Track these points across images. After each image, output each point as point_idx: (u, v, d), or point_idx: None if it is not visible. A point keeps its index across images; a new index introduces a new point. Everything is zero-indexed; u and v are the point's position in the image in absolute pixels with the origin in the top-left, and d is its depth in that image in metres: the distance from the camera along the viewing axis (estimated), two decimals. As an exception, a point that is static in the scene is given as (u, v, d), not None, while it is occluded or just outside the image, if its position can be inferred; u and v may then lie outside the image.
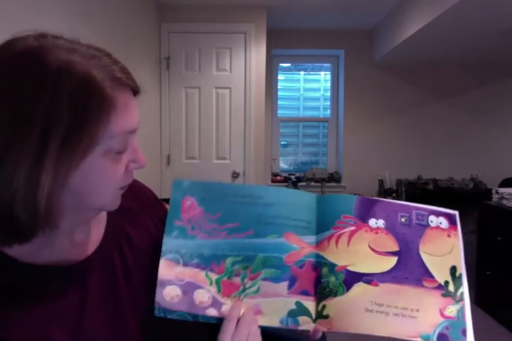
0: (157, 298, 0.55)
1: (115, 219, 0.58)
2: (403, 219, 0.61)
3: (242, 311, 0.55)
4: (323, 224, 0.59)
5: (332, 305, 0.56)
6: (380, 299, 0.57)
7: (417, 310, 0.57)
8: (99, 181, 0.45)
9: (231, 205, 0.59)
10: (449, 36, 2.79)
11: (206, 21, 2.97)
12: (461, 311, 0.58)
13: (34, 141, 0.38)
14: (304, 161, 3.91)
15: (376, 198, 0.62)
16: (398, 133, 3.72)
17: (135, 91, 0.47)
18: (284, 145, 3.89)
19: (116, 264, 0.55)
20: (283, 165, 3.88)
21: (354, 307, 0.56)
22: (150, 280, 0.57)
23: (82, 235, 0.52)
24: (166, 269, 0.57)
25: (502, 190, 2.54)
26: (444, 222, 0.62)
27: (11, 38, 0.42)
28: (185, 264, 0.57)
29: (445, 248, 0.61)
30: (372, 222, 0.60)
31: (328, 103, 3.84)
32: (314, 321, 0.56)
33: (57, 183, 0.41)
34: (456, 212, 0.63)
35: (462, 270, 0.60)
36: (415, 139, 3.72)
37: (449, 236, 0.61)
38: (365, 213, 0.60)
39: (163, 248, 0.58)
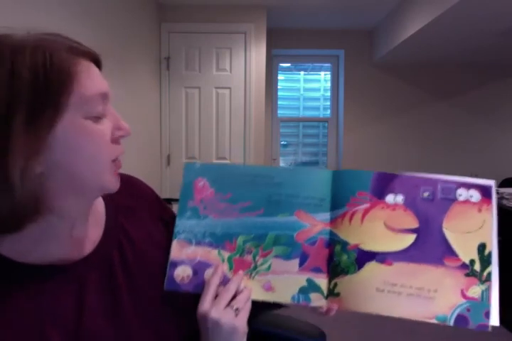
0: (167, 279, 0.56)
1: (114, 217, 0.58)
2: (426, 194, 0.58)
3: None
4: (338, 201, 0.58)
5: (343, 283, 0.56)
6: (393, 279, 0.55)
7: (435, 291, 0.54)
8: (91, 149, 0.45)
9: (242, 185, 0.60)
10: (449, 36, 2.79)
11: (206, 21, 2.97)
12: (486, 292, 0.54)
13: None
14: (304, 161, 3.90)
15: (396, 173, 0.59)
16: (398, 133, 3.72)
17: (94, 59, 0.48)
18: (284, 145, 3.89)
19: (116, 263, 0.54)
20: (283, 165, 3.88)
21: (364, 286, 0.55)
22: (151, 279, 0.57)
23: (79, 233, 0.52)
24: (178, 250, 0.58)
25: (502, 190, 2.53)
26: (475, 195, 0.57)
27: None
28: (198, 243, 0.58)
29: (474, 224, 0.56)
30: (389, 197, 0.58)
31: (328, 103, 3.84)
32: (326, 298, 0.56)
33: (32, 159, 0.40)
34: (491, 183, 0.57)
35: (493, 248, 0.55)
36: (415, 139, 3.72)
37: (479, 210, 0.56)
38: (382, 189, 0.58)
39: (176, 229, 0.59)
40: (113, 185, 0.50)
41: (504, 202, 2.45)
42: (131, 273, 0.55)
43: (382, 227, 0.57)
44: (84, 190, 0.47)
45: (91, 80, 0.45)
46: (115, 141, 0.49)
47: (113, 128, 0.49)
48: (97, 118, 0.46)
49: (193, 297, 0.62)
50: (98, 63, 0.49)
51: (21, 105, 0.40)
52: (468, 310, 0.54)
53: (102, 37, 1.90)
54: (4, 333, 0.42)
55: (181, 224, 0.59)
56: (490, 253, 0.55)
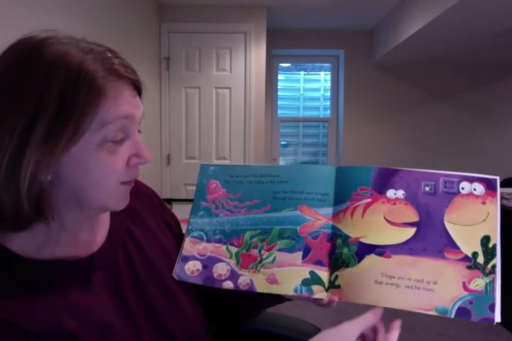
0: (177, 271, 0.60)
1: (119, 218, 0.59)
2: (427, 188, 0.59)
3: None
4: (340, 197, 0.60)
5: (344, 275, 0.57)
6: (391, 271, 0.55)
7: (434, 283, 0.54)
8: (97, 173, 0.45)
9: (251, 185, 0.64)
10: (448, 36, 2.79)
11: (206, 21, 2.97)
12: (490, 285, 0.54)
13: (19, 127, 0.40)
14: (304, 161, 3.90)
15: (398, 168, 0.60)
16: (398, 133, 3.72)
17: (136, 86, 0.49)
18: (284, 145, 3.89)
19: (121, 263, 0.55)
20: (283, 164, 3.88)
21: (363, 278, 0.56)
22: (156, 279, 0.57)
23: (86, 234, 0.53)
24: (189, 246, 0.62)
25: (502, 190, 2.54)
26: (479, 188, 0.58)
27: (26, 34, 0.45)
28: (208, 240, 0.62)
29: (477, 216, 0.56)
30: (390, 192, 0.59)
31: (328, 103, 3.84)
32: (327, 290, 0.58)
33: (41, 170, 0.41)
34: (496, 177, 0.58)
35: (497, 240, 0.55)
36: (415, 139, 3.72)
37: (483, 203, 0.56)
38: (383, 184, 0.59)
39: (190, 227, 0.63)
40: (116, 205, 0.51)
41: (504, 202, 2.45)
42: (137, 273, 0.56)
43: (382, 221, 0.58)
44: (85, 206, 0.48)
45: (118, 104, 0.45)
46: (131, 165, 0.49)
47: (131, 155, 0.48)
48: (115, 144, 0.46)
49: (197, 291, 0.64)
50: (138, 88, 0.49)
51: (44, 120, 0.40)
52: (470, 302, 0.53)
53: (102, 37, 1.90)
54: (20, 319, 0.42)
55: (194, 222, 0.64)
56: (494, 246, 0.55)
